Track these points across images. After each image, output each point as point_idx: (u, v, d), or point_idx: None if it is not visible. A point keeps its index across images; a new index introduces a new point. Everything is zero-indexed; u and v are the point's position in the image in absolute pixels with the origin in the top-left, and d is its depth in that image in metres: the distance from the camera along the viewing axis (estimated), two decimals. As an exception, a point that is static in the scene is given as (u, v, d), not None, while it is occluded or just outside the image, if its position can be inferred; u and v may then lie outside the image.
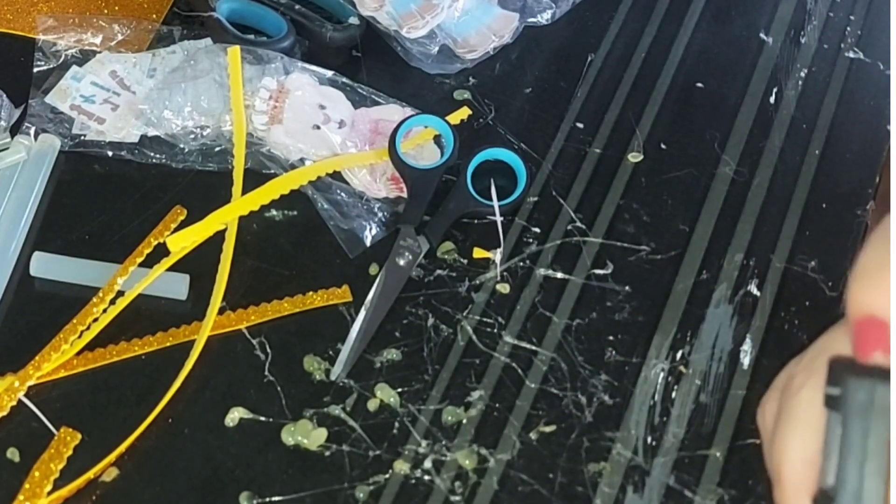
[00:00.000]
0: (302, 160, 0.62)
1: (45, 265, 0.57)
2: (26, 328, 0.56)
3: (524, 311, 0.57)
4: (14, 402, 0.53)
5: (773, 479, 0.42)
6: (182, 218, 0.60)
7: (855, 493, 0.37)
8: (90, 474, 0.51)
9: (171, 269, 0.57)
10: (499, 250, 0.59)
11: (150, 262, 0.57)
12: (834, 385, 0.38)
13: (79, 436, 0.52)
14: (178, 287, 0.57)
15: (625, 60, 0.69)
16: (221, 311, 0.56)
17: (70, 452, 0.51)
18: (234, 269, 0.58)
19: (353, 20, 0.67)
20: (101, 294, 0.56)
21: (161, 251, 0.58)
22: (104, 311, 0.55)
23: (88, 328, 0.55)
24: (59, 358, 0.54)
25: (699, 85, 0.67)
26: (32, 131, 0.63)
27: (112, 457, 0.51)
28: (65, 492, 0.50)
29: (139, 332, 0.55)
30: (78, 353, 0.55)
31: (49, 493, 0.50)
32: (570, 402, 0.54)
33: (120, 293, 0.56)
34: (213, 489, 0.51)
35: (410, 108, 0.65)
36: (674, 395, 0.54)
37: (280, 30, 0.66)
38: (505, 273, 0.58)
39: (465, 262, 0.59)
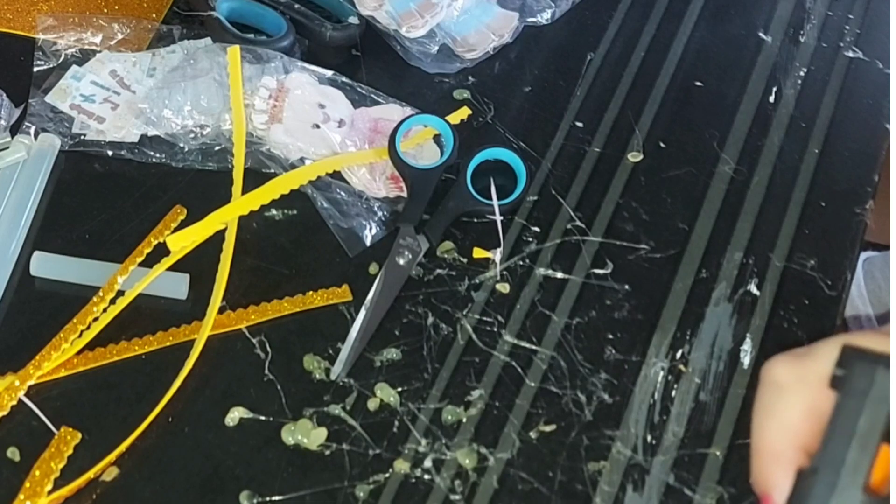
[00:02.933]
0: (302, 159, 0.62)
1: (45, 265, 0.57)
2: (26, 328, 0.56)
3: (524, 310, 0.57)
4: (14, 402, 0.53)
5: (753, 450, 0.44)
6: (182, 217, 0.60)
7: (836, 464, 0.38)
8: (91, 473, 0.51)
9: (171, 268, 0.57)
10: (498, 249, 0.59)
11: (150, 262, 0.57)
12: (841, 367, 0.40)
13: (79, 435, 0.52)
14: (178, 287, 0.57)
15: (624, 59, 0.69)
16: (221, 311, 0.56)
17: (70, 451, 0.51)
18: (234, 269, 0.58)
19: (353, 19, 0.67)
20: (101, 293, 0.56)
21: (161, 251, 0.58)
22: (104, 310, 0.56)
23: (89, 327, 0.55)
24: (60, 357, 0.54)
25: (698, 84, 0.67)
26: (32, 131, 0.63)
27: (112, 456, 0.51)
28: (65, 491, 0.50)
29: (139, 331, 0.55)
30: (78, 353, 0.55)
31: (49, 493, 0.50)
32: (569, 400, 0.54)
33: (120, 293, 0.56)
34: (213, 488, 0.51)
35: (410, 108, 0.65)
36: (673, 393, 0.54)
37: (280, 29, 0.66)
38: (504, 272, 0.58)
39: (465, 261, 0.59)
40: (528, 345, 0.56)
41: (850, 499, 0.38)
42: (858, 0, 0.72)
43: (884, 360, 0.39)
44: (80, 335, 0.55)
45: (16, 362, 0.54)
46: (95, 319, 0.55)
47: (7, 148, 0.62)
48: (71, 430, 0.52)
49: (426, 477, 0.51)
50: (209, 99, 0.63)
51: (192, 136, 0.63)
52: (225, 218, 0.59)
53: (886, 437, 0.38)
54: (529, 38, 0.70)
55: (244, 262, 0.58)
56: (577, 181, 0.62)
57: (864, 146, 0.64)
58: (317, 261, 0.59)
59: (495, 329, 0.56)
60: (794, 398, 0.42)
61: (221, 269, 0.57)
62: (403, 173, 0.61)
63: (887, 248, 0.75)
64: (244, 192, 0.60)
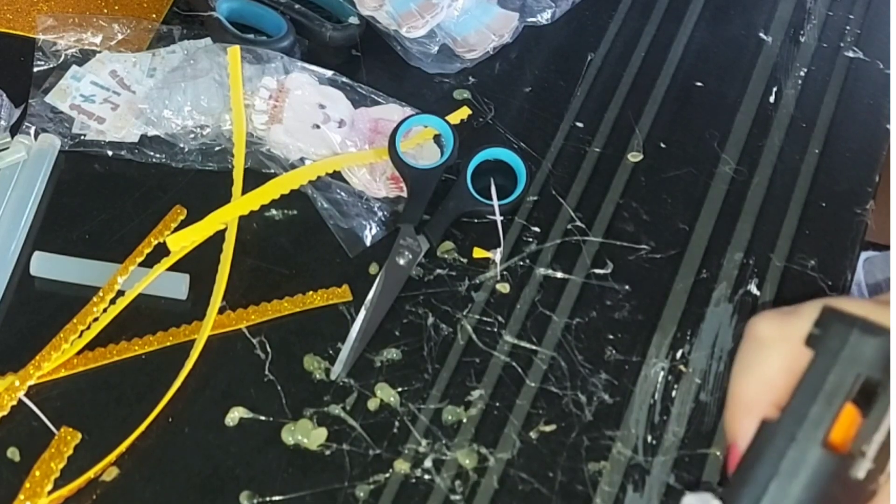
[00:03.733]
0: (302, 159, 0.62)
1: (45, 265, 0.57)
2: (26, 328, 0.56)
3: (524, 311, 0.57)
4: (14, 402, 0.53)
5: (727, 400, 0.45)
6: (182, 217, 0.60)
7: (798, 417, 0.39)
8: (91, 474, 0.51)
9: (171, 268, 0.57)
10: (498, 250, 0.59)
11: (150, 262, 0.57)
12: (818, 327, 0.41)
13: (79, 435, 0.52)
14: (178, 287, 0.57)
15: (624, 60, 0.69)
16: (221, 311, 0.56)
17: (70, 452, 0.51)
18: (234, 269, 0.58)
19: (353, 19, 0.67)
20: (101, 294, 0.56)
21: (161, 251, 0.58)
22: (104, 310, 0.56)
23: (89, 328, 0.55)
24: (60, 357, 0.54)
25: (698, 84, 0.67)
26: (32, 131, 0.63)
27: (112, 456, 0.51)
28: (65, 491, 0.50)
29: (139, 331, 0.55)
30: (78, 353, 0.55)
31: (50, 493, 0.50)
32: (570, 400, 0.54)
33: (120, 293, 0.56)
34: (213, 488, 0.51)
35: (410, 108, 0.65)
36: (674, 393, 0.54)
37: (280, 29, 0.66)
38: (505, 272, 0.58)
39: (465, 261, 0.59)
40: (528, 345, 0.56)
41: (808, 452, 0.38)
42: (859, 0, 0.72)
43: (860, 323, 0.40)
44: (80, 335, 0.55)
45: (16, 362, 0.54)
46: (95, 319, 0.55)
47: (7, 148, 0.62)
48: (71, 430, 0.52)
49: (426, 477, 0.51)
50: (209, 99, 0.63)
51: (192, 136, 0.63)
52: (225, 218, 0.59)
53: (853, 398, 0.39)
54: (529, 39, 0.70)
55: (244, 262, 0.58)
56: (578, 181, 0.62)
57: (864, 146, 0.64)
58: (317, 261, 0.59)
59: (495, 329, 0.56)
60: (773, 354, 0.43)
61: (221, 269, 0.57)
62: (403, 173, 0.61)
63: (887, 247, 0.75)
64: (244, 192, 0.60)
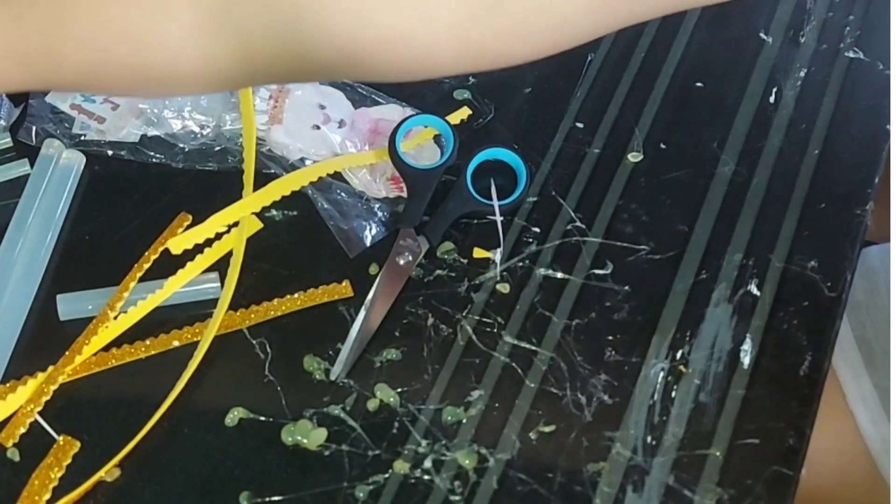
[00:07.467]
0: (302, 160, 0.62)
1: (71, 307, 0.56)
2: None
3: (524, 311, 0.57)
4: (32, 419, 0.52)
5: None
6: (187, 223, 0.59)
7: None
8: (93, 480, 0.50)
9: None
10: (498, 250, 0.59)
11: (154, 269, 0.57)
12: None
13: (78, 444, 0.52)
14: (210, 285, 0.57)
15: (624, 60, 0.69)
16: (222, 311, 0.56)
17: (69, 461, 0.51)
18: (235, 269, 0.58)
19: (353, 20, 0.67)
20: (107, 309, 0.55)
21: (164, 255, 0.57)
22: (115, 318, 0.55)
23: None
24: (73, 368, 0.54)
25: (698, 85, 0.67)
26: (33, 131, 0.63)
27: (115, 461, 0.51)
28: (67, 500, 0.50)
29: (141, 335, 0.55)
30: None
31: (48, 501, 0.50)
32: (569, 401, 0.54)
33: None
34: (212, 488, 0.51)
35: (410, 108, 0.65)
36: (673, 394, 0.54)
37: (280, 29, 0.66)
38: (505, 273, 0.58)
39: (465, 261, 0.59)
40: (527, 346, 0.56)
41: None
42: (858, 1, 0.72)
43: None
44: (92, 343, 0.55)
45: (33, 370, 0.54)
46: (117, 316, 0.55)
47: (8, 147, 0.62)
48: (70, 439, 0.52)
49: (426, 478, 0.51)
50: (209, 99, 0.63)
51: (192, 136, 0.63)
52: (227, 220, 0.59)
53: None
54: (530, 39, 0.70)
55: (244, 263, 0.58)
56: (577, 182, 0.62)
57: (864, 148, 0.64)
58: (317, 261, 0.59)
59: (495, 330, 0.56)
60: None
61: (230, 275, 0.56)
62: (404, 174, 0.61)
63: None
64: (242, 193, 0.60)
